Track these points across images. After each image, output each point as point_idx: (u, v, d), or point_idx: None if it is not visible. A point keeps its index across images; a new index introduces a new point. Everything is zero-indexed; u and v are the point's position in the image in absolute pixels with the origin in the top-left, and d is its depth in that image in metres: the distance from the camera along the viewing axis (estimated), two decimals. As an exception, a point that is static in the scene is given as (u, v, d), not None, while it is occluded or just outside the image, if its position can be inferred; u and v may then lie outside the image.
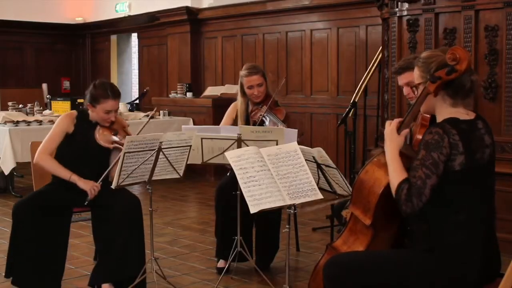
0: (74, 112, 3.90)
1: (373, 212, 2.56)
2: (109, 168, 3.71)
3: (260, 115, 4.21)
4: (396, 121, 2.54)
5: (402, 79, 3.33)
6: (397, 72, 3.35)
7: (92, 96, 3.74)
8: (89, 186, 3.66)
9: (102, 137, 3.77)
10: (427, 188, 2.33)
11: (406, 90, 3.32)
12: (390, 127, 2.52)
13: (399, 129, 2.52)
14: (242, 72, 4.31)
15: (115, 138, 3.76)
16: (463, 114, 2.45)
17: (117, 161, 3.52)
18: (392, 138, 2.50)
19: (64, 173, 3.74)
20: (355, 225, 2.71)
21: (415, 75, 2.55)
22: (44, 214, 3.65)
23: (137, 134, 3.70)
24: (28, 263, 3.64)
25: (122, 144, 3.57)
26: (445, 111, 2.46)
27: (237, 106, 4.39)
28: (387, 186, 2.49)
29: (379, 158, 2.66)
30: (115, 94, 3.75)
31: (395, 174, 2.42)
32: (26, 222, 3.62)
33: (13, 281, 3.72)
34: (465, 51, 2.39)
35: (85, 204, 3.68)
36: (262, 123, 4.22)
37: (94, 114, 3.79)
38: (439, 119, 2.47)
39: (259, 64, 8.19)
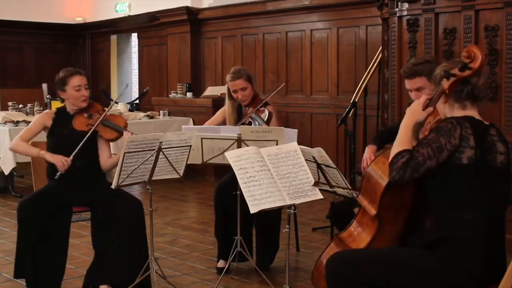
0: (54, 109, 4.04)
1: (378, 202, 2.59)
2: (80, 144, 3.74)
3: (249, 117, 4.26)
4: (424, 97, 2.54)
5: (412, 84, 3.25)
6: (408, 77, 3.27)
7: (60, 81, 3.86)
8: (56, 159, 3.73)
9: (78, 123, 3.86)
10: (424, 167, 2.36)
11: (415, 95, 3.25)
12: (418, 101, 2.54)
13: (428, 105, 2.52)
14: (227, 77, 4.36)
15: (89, 121, 3.87)
16: (477, 116, 2.46)
17: (89, 139, 3.75)
18: (416, 111, 2.52)
19: (33, 151, 3.86)
20: (362, 217, 2.76)
21: (430, 88, 2.57)
22: (45, 213, 3.66)
23: (104, 114, 3.85)
24: (32, 262, 3.66)
25: (94, 124, 3.79)
26: (457, 114, 2.46)
27: (225, 110, 4.43)
28: None
29: (390, 150, 2.68)
30: (78, 71, 3.91)
31: (402, 142, 2.45)
32: (30, 220, 3.64)
33: (16, 277, 3.77)
34: (480, 50, 2.40)
35: (55, 178, 3.72)
36: (250, 125, 4.26)
37: (69, 100, 3.88)
38: None
39: (259, 64, 8.25)
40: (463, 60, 2.42)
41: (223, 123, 4.42)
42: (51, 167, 3.84)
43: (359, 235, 2.73)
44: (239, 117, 4.38)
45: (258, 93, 4.43)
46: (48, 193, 3.77)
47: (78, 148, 3.74)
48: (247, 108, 4.34)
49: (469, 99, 2.47)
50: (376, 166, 2.66)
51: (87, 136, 3.77)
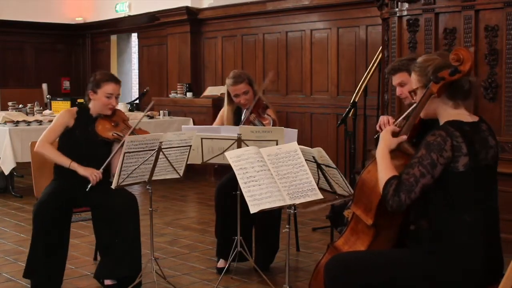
0: (75, 108, 3.99)
1: (374, 212, 2.56)
2: (110, 157, 3.77)
3: (250, 121, 4.22)
4: (393, 126, 2.61)
5: (395, 79, 3.38)
6: (390, 73, 3.39)
7: (94, 82, 3.84)
8: (89, 172, 3.73)
9: (102, 128, 3.83)
10: (418, 186, 2.35)
11: (398, 90, 3.37)
12: (386, 130, 2.58)
13: (400, 131, 2.56)
14: (228, 81, 4.30)
15: (115, 129, 3.85)
16: (466, 116, 2.45)
17: (118, 151, 3.69)
18: (385, 138, 2.55)
19: (65, 161, 3.80)
20: (356, 224, 2.71)
21: (413, 79, 2.56)
22: (56, 213, 3.67)
23: (134, 127, 3.83)
24: (45, 262, 3.67)
25: (121, 136, 3.75)
26: (447, 113, 2.46)
27: (223, 113, 4.40)
28: None
29: None
30: (116, 79, 3.90)
31: (385, 171, 2.45)
32: (48, 222, 3.63)
33: (27, 277, 3.76)
34: (469, 52, 2.40)
35: (87, 190, 3.71)
36: None
37: (95, 102, 3.86)
38: (442, 121, 2.47)
39: (259, 64, 8.25)
40: (452, 63, 2.41)
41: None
42: (59, 168, 3.84)
43: (354, 243, 2.70)
44: (238, 120, 4.35)
45: (259, 95, 4.39)
46: (58, 193, 3.74)
47: (107, 161, 3.75)
48: (249, 112, 4.29)
49: (462, 97, 2.46)
50: (369, 175, 2.61)
51: (118, 146, 3.72)
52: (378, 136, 2.67)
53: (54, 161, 3.86)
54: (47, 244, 3.64)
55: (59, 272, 3.76)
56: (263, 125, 4.16)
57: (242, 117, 4.34)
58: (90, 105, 3.89)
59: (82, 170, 3.74)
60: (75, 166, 3.75)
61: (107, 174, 3.91)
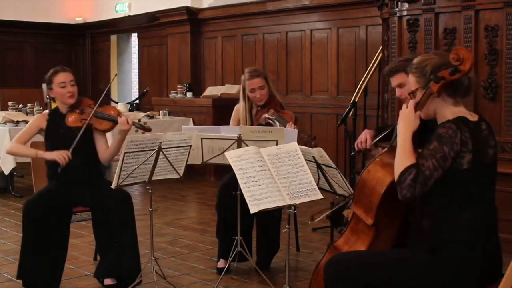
0: (47, 111, 4.08)
1: (375, 212, 2.56)
2: (77, 138, 3.76)
3: (266, 117, 4.20)
4: (412, 102, 2.49)
5: (394, 81, 3.33)
6: (388, 75, 3.33)
7: (47, 81, 3.93)
8: (55, 155, 3.74)
9: (71, 120, 3.88)
10: (432, 179, 2.33)
11: (398, 92, 3.32)
12: (408, 109, 2.47)
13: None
14: (244, 76, 4.30)
15: (82, 116, 3.89)
16: (467, 114, 2.45)
17: (86, 132, 3.80)
18: (410, 119, 2.46)
19: (31, 152, 3.89)
20: (356, 224, 2.71)
21: (411, 81, 2.53)
22: (49, 213, 3.68)
23: (96, 106, 3.88)
24: (35, 262, 3.67)
25: (88, 118, 3.82)
26: (447, 111, 2.45)
27: (239, 110, 4.39)
28: (389, 186, 2.49)
29: (381, 157, 2.66)
30: (62, 68, 3.97)
31: (405, 156, 2.38)
32: (37, 221, 3.64)
33: (19, 277, 3.76)
34: (468, 52, 2.39)
35: (58, 172, 3.73)
36: (269, 126, 4.17)
37: (57, 98, 3.93)
38: (441, 120, 2.46)
39: (259, 64, 8.24)
40: (452, 62, 2.41)
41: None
42: (51, 168, 3.85)
43: (354, 243, 2.70)
44: (251, 118, 4.34)
45: (274, 94, 4.38)
46: (51, 193, 3.77)
47: (75, 141, 3.76)
48: (265, 109, 4.27)
49: (462, 94, 2.46)
50: (369, 175, 2.61)
51: (82, 129, 3.79)
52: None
53: (23, 156, 4.05)
54: (36, 243, 3.65)
55: (53, 272, 3.74)
56: (283, 119, 4.14)
57: (253, 114, 4.32)
58: (57, 104, 3.97)
59: (48, 155, 3.78)
60: (41, 153, 3.82)
61: (96, 167, 3.96)
